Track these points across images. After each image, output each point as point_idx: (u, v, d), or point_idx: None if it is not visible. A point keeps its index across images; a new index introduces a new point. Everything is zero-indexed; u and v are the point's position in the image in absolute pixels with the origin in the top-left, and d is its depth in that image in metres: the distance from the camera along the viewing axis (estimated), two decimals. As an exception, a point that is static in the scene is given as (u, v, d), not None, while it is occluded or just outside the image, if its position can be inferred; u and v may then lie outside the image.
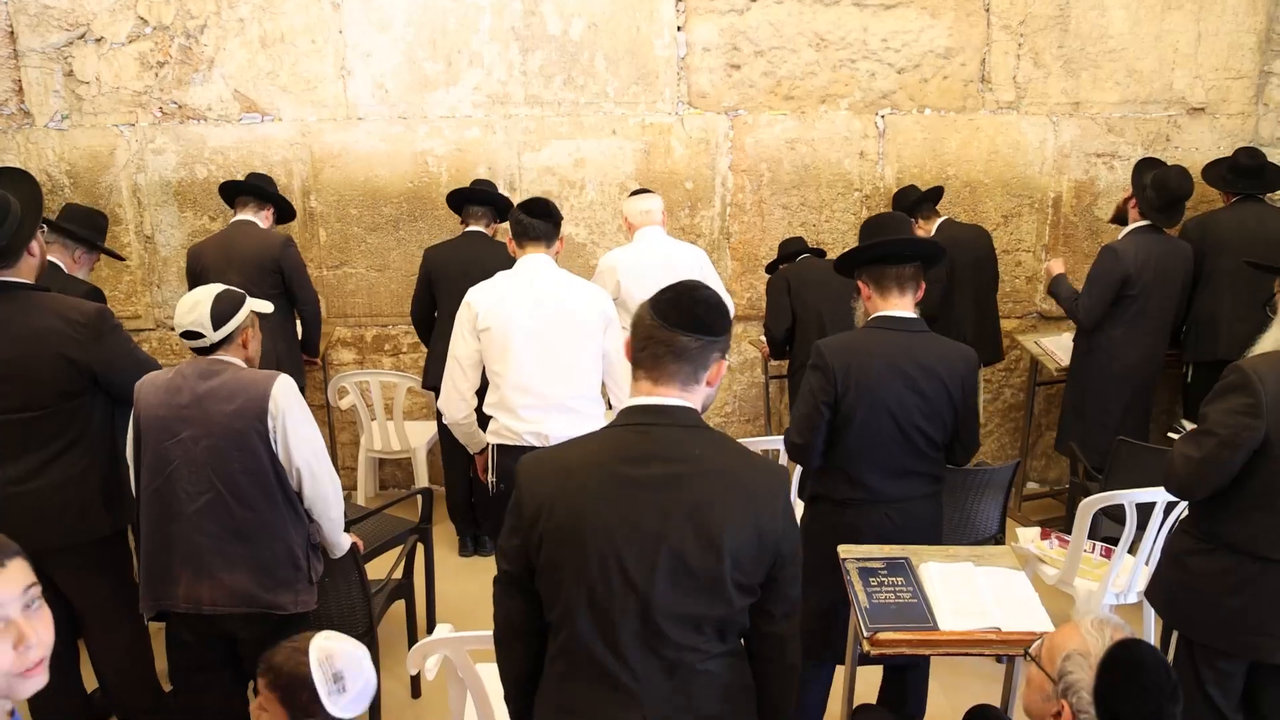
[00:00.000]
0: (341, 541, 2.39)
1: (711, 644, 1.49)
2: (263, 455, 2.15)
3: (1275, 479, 2.04)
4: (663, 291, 1.53)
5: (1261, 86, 4.26)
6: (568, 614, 1.48)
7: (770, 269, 4.14)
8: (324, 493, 2.25)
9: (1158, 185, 3.59)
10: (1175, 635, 2.26)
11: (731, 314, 3.88)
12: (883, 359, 2.36)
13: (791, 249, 4.04)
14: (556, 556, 1.47)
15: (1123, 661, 1.33)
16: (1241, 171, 3.90)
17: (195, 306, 2.17)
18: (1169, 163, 4.23)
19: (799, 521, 2.65)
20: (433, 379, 3.70)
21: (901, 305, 2.42)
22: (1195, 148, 4.29)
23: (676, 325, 1.49)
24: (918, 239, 2.55)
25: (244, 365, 2.24)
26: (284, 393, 2.16)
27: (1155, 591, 2.32)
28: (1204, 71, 4.23)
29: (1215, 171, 4.01)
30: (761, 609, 1.52)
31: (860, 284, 2.47)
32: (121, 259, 3.96)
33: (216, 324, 2.17)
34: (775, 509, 1.50)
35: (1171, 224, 3.67)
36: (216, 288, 2.23)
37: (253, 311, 2.25)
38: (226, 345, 2.21)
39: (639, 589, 1.44)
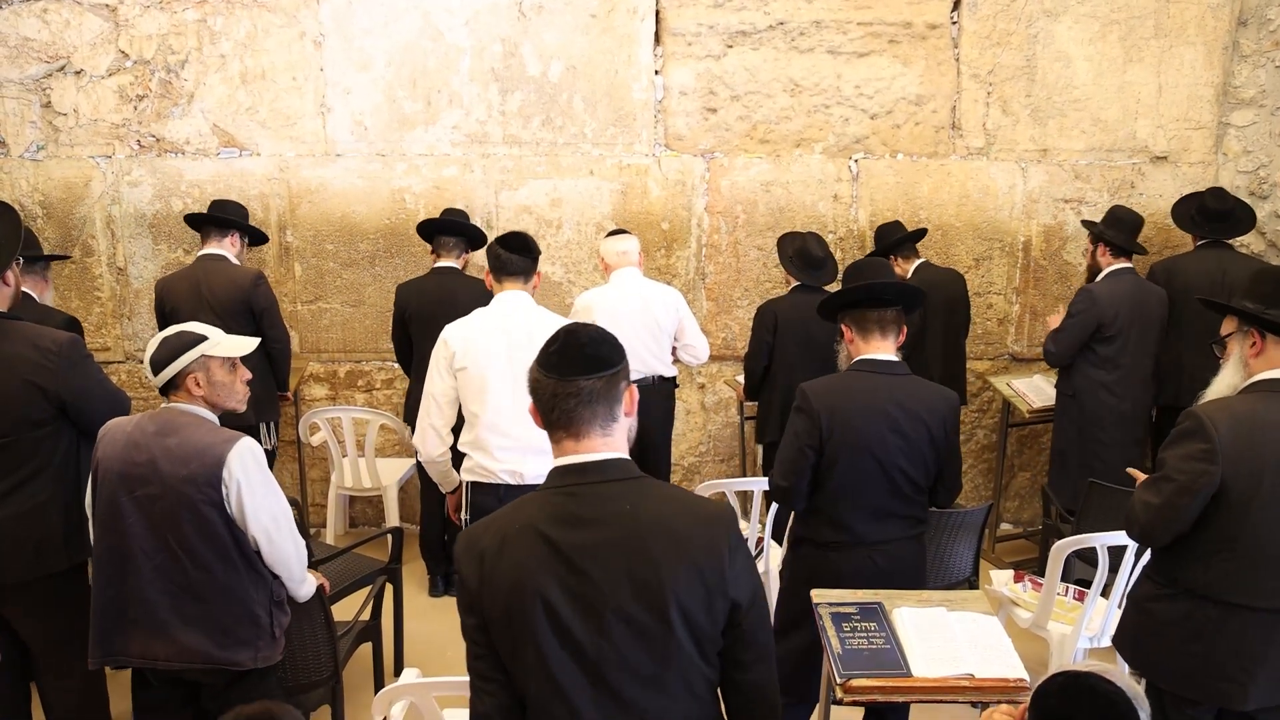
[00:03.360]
0: (303, 592, 2.33)
1: (678, 705, 1.45)
2: (216, 521, 2.09)
3: (1234, 524, 2.05)
4: (547, 346, 1.50)
5: (1220, 137, 4.39)
6: (525, 686, 1.43)
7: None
8: (284, 557, 2.19)
9: (1113, 222, 3.79)
10: (1144, 683, 2.25)
11: (707, 355, 3.94)
12: (865, 401, 2.39)
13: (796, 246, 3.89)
14: (504, 631, 1.43)
15: (1072, 683, 1.30)
16: (1209, 215, 3.92)
17: (148, 347, 2.16)
18: (1134, 209, 4.36)
19: (784, 563, 2.66)
20: (414, 416, 3.68)
21: (883, 348, 2.46)
22: (1159, 195, 4.40)
23: (575, 373, 1.45)
24: (898, 283, 2.60)
25: (206, 413, 2.17)
26: (240, 461, 2.09)
27: (1122, 638, 2.32)
28: (1165, 122, 4.35)
29: (1184, 210, 4.02)
30: (731, 658, 1.48)
31: (843, 327, 2.51)
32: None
33: (155, 370, 2.13)
34: (719, 557, 1.43)
35: (1140, 251, 3.80)
36: (172, 330, 2.17)
37: (204, 355, 2.15)
38: (175, 390, 2.16)
39: (591, 658, 1.40)
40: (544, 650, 1.40)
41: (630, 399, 1.52)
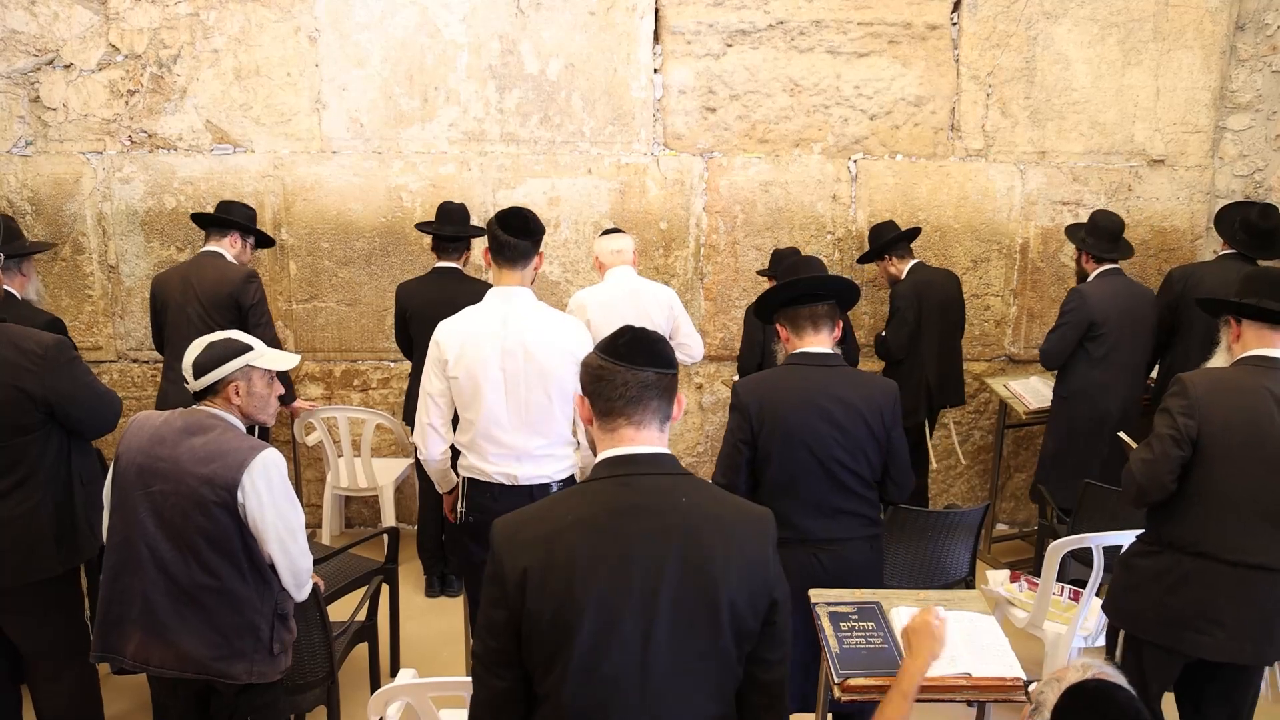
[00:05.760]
0: (301, 596, 2.31)
1: (709, 704, 1.45)
2: (228, 526, 2.07)
3: (1203, 476, 2.24)
4: (615, 338, 1.53)
5: (1217, 141, 4.40)
6: (561, 683, 1.40)
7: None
8: (297, 568, 2.19)
9: (1093, 230, 3.81)
10: (1122, 635, 2.40)
11: (701, 354, 3.93)
12: (797, 394, 2.39)
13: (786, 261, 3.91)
14: (549, 626, 1.39)
15: (1091, 691, 1.33)
16: (1249, 229, 3.75)
17: (192, 350, 2.14)
18: (1130, 211, 4.35)
19: None
20: (413, 412, 3.65)
21: (817, 342, 2.46)
22: (1156, 197, 4.41)
23: (647, 363, 1.49)
24: (829, 278, 2.56)
25: (235, 421, 2.16)
26: (263, 469, 2.07)
27: (1106, 599, 2.47)
28: (1163, 125, 4.36)
29: (1229, 217, 3.87)
30: (758, 657, 1.48)
31: (778, 327, 2.52)
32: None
33: (197, 373, 2.11)
34: (766, 553, 1.48)
35: (1124, 255, 3.82)
36: (217, 335, 2.17)
37: (249, 365, 2.14)
38: (212, 396, 2.14)
39: (637, 650, 1.39)
40: (594, 648, 1.38)
41: (679, 405, 1.55)
